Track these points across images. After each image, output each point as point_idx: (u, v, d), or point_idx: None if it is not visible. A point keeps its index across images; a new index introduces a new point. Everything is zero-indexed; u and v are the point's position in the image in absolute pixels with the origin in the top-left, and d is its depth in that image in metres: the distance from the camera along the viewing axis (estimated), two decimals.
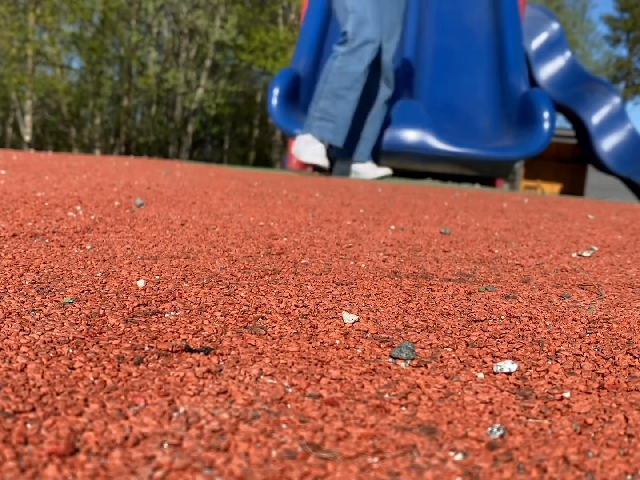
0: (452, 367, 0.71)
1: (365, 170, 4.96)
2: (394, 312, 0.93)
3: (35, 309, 0.84)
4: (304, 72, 6.07)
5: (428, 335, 0.82)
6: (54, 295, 0.91)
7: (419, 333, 0.83)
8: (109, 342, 0.73)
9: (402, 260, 1.39)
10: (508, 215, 2.55)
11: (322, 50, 6.37)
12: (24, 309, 0.83)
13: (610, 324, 0.88)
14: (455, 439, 0.53)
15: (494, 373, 0.70)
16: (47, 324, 0.77)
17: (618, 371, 0.70)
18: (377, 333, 0.82)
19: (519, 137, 5.62)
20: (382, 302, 0.99)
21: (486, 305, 0.98)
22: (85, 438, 0.49)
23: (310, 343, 0.77)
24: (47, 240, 1.35)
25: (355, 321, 0.86)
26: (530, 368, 0.71)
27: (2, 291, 0.92)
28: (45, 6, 15.39)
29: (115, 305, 0.88)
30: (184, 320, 0.83)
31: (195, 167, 4.47)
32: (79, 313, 0.83)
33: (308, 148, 4.64)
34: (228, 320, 0.85)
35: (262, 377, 0.65)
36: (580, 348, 0.78)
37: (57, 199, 1.99)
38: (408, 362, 0.72)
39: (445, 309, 0.96)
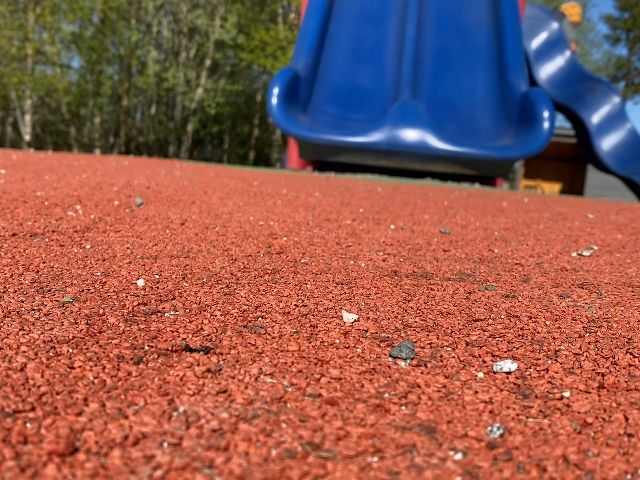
0: (452, 367, 0.71)
1: None
2: (393, 312, 0.93)
3: (35, 308, 0.84)
4: (304, 72, 6.07)
5: (428, 335, 0.82)
6: (54, 295, 0.91)
7: (418, 332, 0.83)
8: (108, 341, 0.73)
9: (401, 259, 1.39)
10: (508, 214, 2.55)
11: (322, 50, 6.36)
12: (23, 309, 0.83)
13: (610, 323, 0.88)
14: (455, 438, 0.53)
15: (494, 372, 0.70)
16: (46, 323, 0.77)
17: (618, 370, 0.70)
18: (376, 332, 0.82)
19: (519, 136, 5.63)
20: (382, 301, 0.99)
21: (486, 305, 0.98)
22: (85, 437, 0.49)
23: (310, 342, 0.77)
24: (46, 240, 1.35)
25: (355, 320, 0.86)
26: (530, 367, 0.71)
27: (1, 290, 0.92)
28: (45, 5, 15.40)
29: (115, 304, 0.88)
30: (183, 320, 0.83)
31: (195, 167, 4.47)
32: (78, 312, 0.83)
33: None
34: (228, 319, 0.85)
35: (261, 376, 0.65)
36: (580, 347, 0.78)
37: (57, 199, 1.99)
38: (408, 361, 0.72)
39: (445, 308, 0.96)
